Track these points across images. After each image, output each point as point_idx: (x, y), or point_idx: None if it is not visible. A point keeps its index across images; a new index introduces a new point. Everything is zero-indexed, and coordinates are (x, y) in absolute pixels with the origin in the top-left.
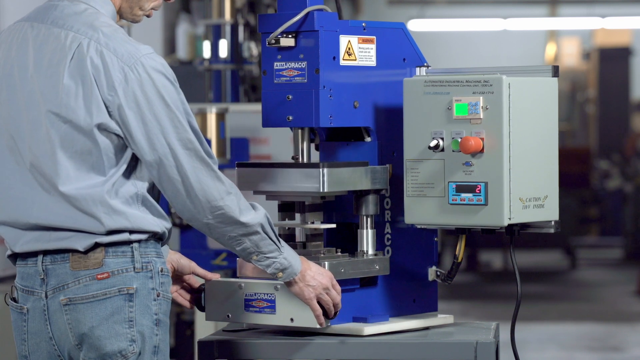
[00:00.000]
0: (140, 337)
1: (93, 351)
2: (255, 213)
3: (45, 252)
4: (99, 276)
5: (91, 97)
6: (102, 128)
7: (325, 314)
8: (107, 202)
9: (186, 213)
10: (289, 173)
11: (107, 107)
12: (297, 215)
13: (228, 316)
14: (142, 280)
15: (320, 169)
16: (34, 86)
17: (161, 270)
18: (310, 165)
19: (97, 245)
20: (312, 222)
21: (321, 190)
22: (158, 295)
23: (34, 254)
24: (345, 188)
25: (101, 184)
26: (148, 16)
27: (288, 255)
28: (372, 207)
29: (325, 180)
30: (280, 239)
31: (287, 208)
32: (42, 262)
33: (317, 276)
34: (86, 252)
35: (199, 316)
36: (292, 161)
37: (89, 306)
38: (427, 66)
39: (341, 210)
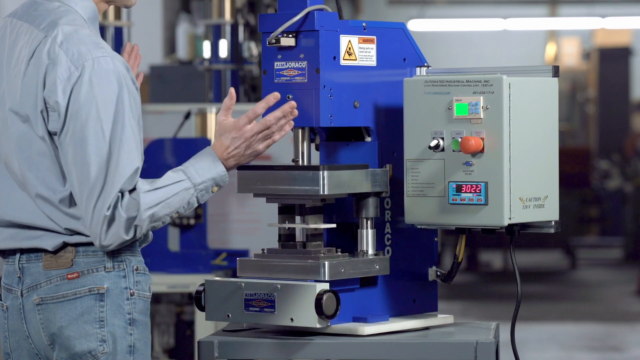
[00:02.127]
0: (112, 337)
1: (64, 351)
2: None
3: (22, 251)
4: (69, 276)
5: (42, 100)
6: (51, 132)
7: None
8: (64, 210)
9: (85, 222)
10: (290, 176)
11: (48, 105)
12: (298, 218)
13: (228, 316)
14: (114, 279)
15: (321, 172)
16: (5, 83)
17: (136, 269)
18: (310, 167)
19: (66, 245)
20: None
21: (321, 193)
22: (132, 295)
23: (13, 252)
24: (345, 191)
25: (59, 192)
26: None
27: (200, 177)
28: (372, 209)
29: (326, 183)
30: (179, 179)
31: (288, 210)
32: (19, 261)
33: (232, 143)
34: (56, 251)
35: (199, 316)
36: (293, 164)
37: (60, 306)
38: (428, 66)
39: (341, 210)
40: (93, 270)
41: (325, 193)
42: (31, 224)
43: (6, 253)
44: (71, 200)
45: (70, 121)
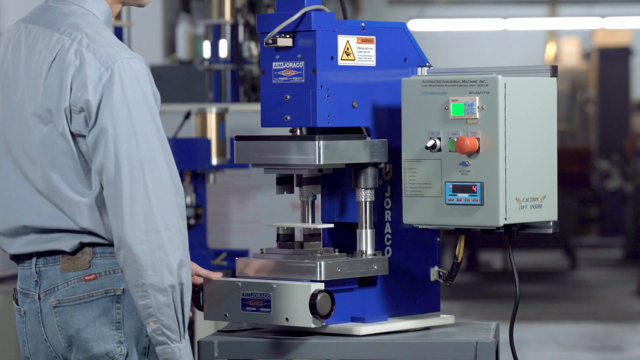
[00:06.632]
0: (128, 338)
1: (81, 353)
2: (178, 271)
3: (39, 254)
4: (86, 278)
5: (67, 99)
6: (74, 133)
7: None
8: (88, 210)
9: (115, 232)
10: (286, 145)
11: (75, 106)
12: (296, 189)
13: (225, 315)
14: None
15: (317, 142)
16: (24, 87)
17: None
18: (306, 137)
19: (82, 246)
20: (312, 222)
21: (317, 163)
22: None
23: (29, 256)
24: (342, 160)
25: (84, 194)
26: None
27: (185, 351)
28: (370, 180)
29: (322, 153)
30: (185, 331)
31: (285, 181)
32: (36, 265)
33: None
34: (74, 253)
35: (199, 316)
36: (290, 134)
37: (77, 308)
38: (430, 66)
39: (341, 210)
40: (110, 272)
41: (321, 162)
42: (50, 227)
43: (21, 257)
44: (96, 202)
45: (102, 120)
